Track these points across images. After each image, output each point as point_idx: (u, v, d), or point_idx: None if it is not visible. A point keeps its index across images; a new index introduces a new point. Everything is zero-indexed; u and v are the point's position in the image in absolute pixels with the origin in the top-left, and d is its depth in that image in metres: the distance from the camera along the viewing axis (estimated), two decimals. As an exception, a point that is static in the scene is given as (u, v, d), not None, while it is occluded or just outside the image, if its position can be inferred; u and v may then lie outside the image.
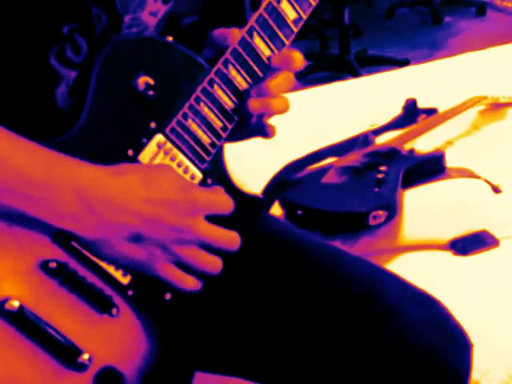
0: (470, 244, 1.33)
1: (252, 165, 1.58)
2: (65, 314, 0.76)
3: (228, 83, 0.83)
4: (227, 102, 0.84)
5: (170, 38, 0.84)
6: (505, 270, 1.28)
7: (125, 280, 0.79)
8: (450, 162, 1.56)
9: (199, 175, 0.84)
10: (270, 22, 0.84)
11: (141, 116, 0.80)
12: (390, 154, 1.54)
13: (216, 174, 0.85)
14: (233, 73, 0.84)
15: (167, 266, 0.78)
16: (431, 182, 1.51)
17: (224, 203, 0.81)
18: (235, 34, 0.84)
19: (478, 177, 1.50)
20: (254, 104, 0.84)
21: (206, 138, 0.84)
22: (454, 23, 4.87)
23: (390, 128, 1.73)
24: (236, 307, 0.91)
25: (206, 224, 0.79)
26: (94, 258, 0.77)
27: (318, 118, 1.95)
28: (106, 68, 0.79)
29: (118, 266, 0.78)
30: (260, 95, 0.84)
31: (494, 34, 4.28)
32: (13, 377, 0.74)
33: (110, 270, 0.78)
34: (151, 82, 0.80)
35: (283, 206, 1.42)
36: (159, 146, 0.81)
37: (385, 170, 1.46)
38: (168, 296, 0.81)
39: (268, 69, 0.85)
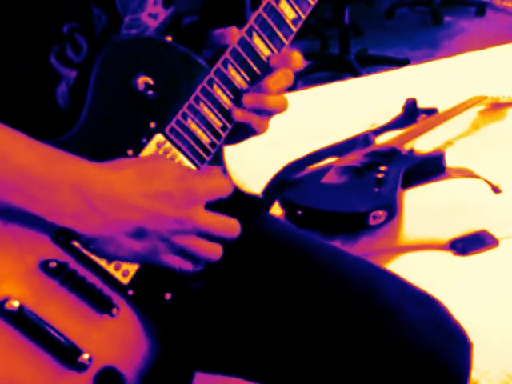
0: (470, 244, 1.33)
1: (252, 165, 1.58)
2: (65, 314, 0.76)
3: (227, 83, 0.84)
4: (227, 101, 0.84)
5: (170, 38, 0.84)
6: (504, 269, 1.28)
7: (125, 280, 0.79)
8: (450, 161, 1.56)
9: (197, 171, 0.84)
10: (269, 21, 0.84)
11: (140, 116, 0.80)
12: (390, 154, 1.53)
13: (216, 173, 0.85)
14: (232, 73, 0.84)
15: (169, 255, 0.79)
16: (431, 182, 1.51)
17: (222, 187, 0.81)
18: (234, 34, 0.84)
19: (477, 177, 1.50)
20: (247, 99, 0.84)
21: (205, 138, 0.84)
22: (453, 23, 4.87)
23: (390, 128, 1.73)
24: (236, 307, 0.91)
25: (205, 213, 0.79)
26: (94, 258, 0.77)
27: (318, 117, 1.95)
28: (105, 68, 0.79)
29: (122, 260, 0.78)
30: (258, 92, 0.84)
31: (493, 33, 4.28)
32: (13, 377, 0.74)
33: (110, 269, 0.78)
34: (151, 81, 0.80)
35: (283, 206, 1.42)
36: (159, 145, 0.81)
37: (385, 170, 1.46)
38: (168, 296, 0.81)
39: (267, 69, 0.85)
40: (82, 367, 0.76)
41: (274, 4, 0.84)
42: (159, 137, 0.81)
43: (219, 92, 0.83)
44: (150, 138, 0.81)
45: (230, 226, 0.81)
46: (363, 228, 1.35)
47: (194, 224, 0.78)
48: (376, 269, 0.97)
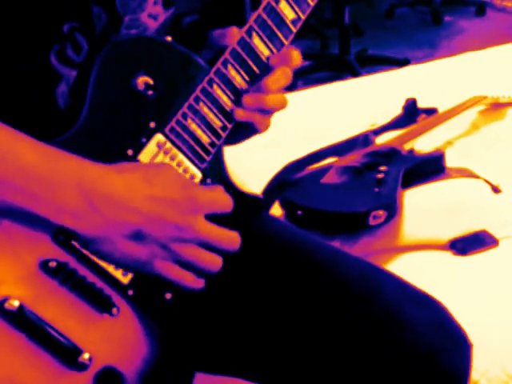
0: (470, 244, 1.33)
1: (252, 165, 1.58)
2: (65, 314, 0.76)
3: (227, 83, 0.84)
4: (226, 101, 0.84)
5: (169, 38, 0.84)
6: (504, 269, 1.28)
7: (125, 279, 0.79)
8: (450, 162, 1.56)
9: (199, 175, 0.84)
10: (269, 22, 0.84)
11: (140, 116, 0.80)
12: (390, 154, 1.53)
13: (216, 173, 0.85)
14: (232, 73, 0.84)
15: (167, 264, 0.79)
16: (431, 182, 1.51)
17: (224, 202, 0.81)
18: (234, 34, 0.84)
19: (477, 177, 1.50)
20: (247, 99, 0.84)
21: (205, 138, 0.84)
22: (453, 23, 4.87)
23: (390, 128, 1.72)
24: (236, 307, 0.91)
25: (205, 223, 0.79)
26: (93, 258, 0.77)
27: (318, 117, 1.95)
28: (105, 68, 0.79)
29: (117, 264, 0.78)
30: (258, 92, 0.84)
31: (493, 33, 4.28)
32: (13, 376, 0.74)
33: (110, 269, 0.78)
34: (150, 81, 0.80)
35: (283, 206, 1.42)
36: (159, 145, 0.81)
37: (385, 170, 1.46)
38: (168, 296, 0.81)
39: (267, 68, 0.85)
40: (82, 367, 0.76)
41: (273, 4, 0.84)
42: (159, 137, 0.81)
43: (219, 92, 0.83)
44: (149, 137, 0.81)
45: (230, 237, 0.81)
46: (363, 228, 1.35)
47: (194, 232, 0.78)
48: (376, 269, 0.97)
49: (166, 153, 0.82)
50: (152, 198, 0.76)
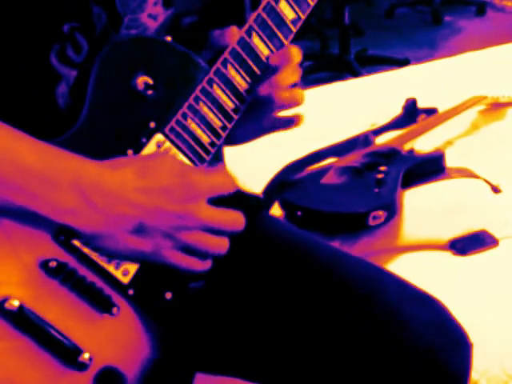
0: (470, 244, 1.33)
1: (252, 165, 1.58)
2: (65, 314, 0.76)
3: (227, 83, 0.84)
4: (226, 101, 0.84)
5: (169, 38, 0.84)
6: (504, 269, 1.28)
7: (125, 279, 0.79)
8: (450, 162, 1.56)
9: (200, 168, 0.84)
10: (269, 22, 0.84)
11: (140, 116, 0.80)
12: (390, 154, 1.53)
13: (216, 173, 0.85)
14: (232, 72, 0.84)
15: (174, 252, 0.78)
16: (431, 182, 1.51)
17: (224, 184, 0.81)
18: (234, 34, 0.84)
19: (477, 177, 1.50)
20: (284, 94, 0.84)
21: (205, 138, 0.84)
22: (454, 23, 4.87)
23: (390, 128, 1.72)
24: (236, 307, 0.91)
25: (207, 207, 0.79)
26: (94, 257, 0.77)
27: (318, 118, 1.94)
28: (105, 68, 0.79)
29: (123, 259, 0.78)
30: (270, 88, 0.85)
31: (494, 33, 4.28)
32: (13, 376, 0.74)
33: (111, 269, 0.78)
34: (150, 81, 0.80)
35: (283, 206, 1.41)
36: (159, 145, 0.81)
37: (385, 170, 1.46)
38: (168, 295, 0.81)
39: (267, 68, 0.85)
40: (82, 367, 0.76)
41: (273, 4, 0.84)
42: (159, 136, 0.81)
43: (219, 92, 0.84)
44: (149, 137, 0.81)
45: (234, 218, 0.81)
46: (363, 228, 1.35)
47: (197, 218, 0.78)
48: (376, 269, 0.97)
49: (165, 152, 0.82)
50: (146, 189, 0.76)
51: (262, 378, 0.92)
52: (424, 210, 1.43)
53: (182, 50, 0.83)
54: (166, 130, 0.81)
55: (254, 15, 0.84)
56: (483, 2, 5.01)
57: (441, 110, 1.80)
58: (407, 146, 1.58)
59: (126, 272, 0.79)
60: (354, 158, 1.51)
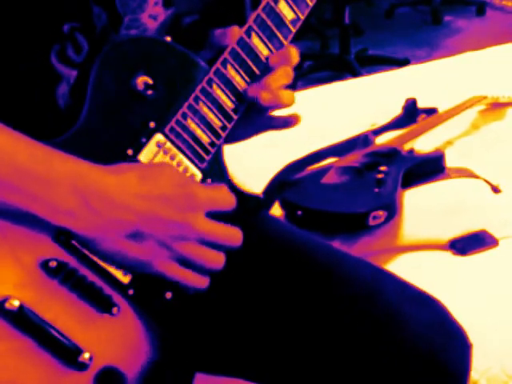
0: (470, 244, 1.33)
1: (252, 165, 1.58)
2: (65, 313, 0.76)
3: (227, 83, 0.84)
4: (226, 101, 0.84)
5: (169, 38, 0.84)
6: (504, 269, 1.28)
7: (125, 279, 0.79)
8: (450, 162, 1.56)
9: (199, 175, 0.84)
10: (268, 22, 0.84)
11: (140, 116, 0.80)
12: (390, 154, 1.53)
13: (215, 173, 0.85)
14: (232, 72, 0.84)
15: (168, 263, 0.78)
16: (431, 182, 1.51)
17: (225, 200, 0.81)
18: (235, 33, 0.84)
19: (477, 177, 1.50)
20: (265, 96, 0.84)
21: (205, 138, 0.84)
22: (454, 22, 4.87)
23: (390, 128, 1.72)
24: (236, 307, 0.91)
25: (206, 220, 0.79)
26: (94, 258, 0.77)
27: (318, 117, 1.94)
28: (105, 68, 0.79)
29: (118, 265, 0.78)
30: (259, 89, 0.85)
31: (493, 33, 4.28)
32: (13, 376, 0.74)
33: (111, 269, 0.78)
34: (150, 81, 0.80)
35: (283, 206, 1.42)
36: (159, 145, 0.81)
37: (385, 170, 1.46)
38: (169, 295, 0.81)
39: (267, 68, 0.85)
40: (82, 366, 0.76)
41: (272, 4, 0.84)
42: (159, 136, 0.81)
43: (219, 92, 0.84)
44: (149, 137, 0.81)
45: (231, 233, 0.81)
46: (363, 228, 1.35)
47: (195, 229, 0.78)
48: (376, 269, 0.97)
49: (165, 152, 0.82)
50: (145, 196, 0.76)
51: (262, 378, 0.92)
52: (424, 210, 1.43)
53: (181, 50, 0.83)
54: (166, 129, 0.82)
55: (253, 15, 0.84)
56: (483, 2, 5.01)
57: (441, 109, 1.80)
58: (407, 146, 1.58)
59: (126, 272, 0.79)
60: (354, 158, 1.52)
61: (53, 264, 0.75)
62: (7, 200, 0.72)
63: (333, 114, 1.96)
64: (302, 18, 0.86)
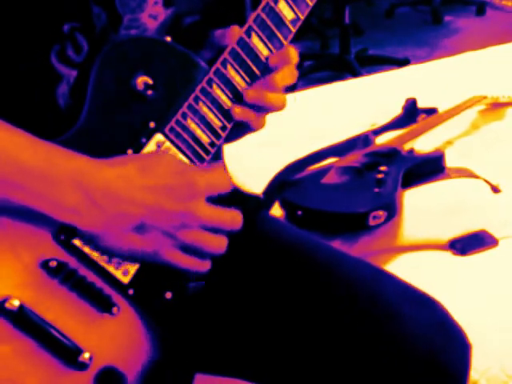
0: (469, 244, 1.33)
1: (252, 165, 1.58)
2: (65, 313, 0.76)
3: (227, 83, 0.84)
4: (226, 101, 0.84)
5: (169, 39, 0.84)
6: (504, 269, 1.28)
7: (125, 279, 0.79)
8: (450, 161, 1.56)
9: (199, 167, 0.84)
10: (268, 22, 0.84)
11: (140, 116, 0.81)
12: (390, 154, 1.53)
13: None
14: (231, 73, 0.84)
15: (174, 252, 0.79)
16: (431, 182, 1.51)
17: (223, 183, 0.81)
18: (235, 33, 0.84)
19: (477, 177, 1.50)
20: (250, 93, 0.84)
21: (205, 138, 0.84)
22: (454, 22, 4.87)
23: (390, 128, 1.72)
24: (236, 307, 0.91)
25: (206, 206, 0.79)
26: (94, 257, 0.77)
27: (318, 117, 1.95)
28: (104, 68, 0.79)
29: (125, 258, 0.78)
30: (264, 88, 0.84)
31: (493, 33, 4.28)
32: (13, 376, 0.74)
33: (111, 269, 0.78)
34: (150, 81, 0.80)
35: (283, 206, 1.42)
36: (158, 145, 0.81)
37: (385, 170, 1.46)
38: (169, 295, 0.81)
39: (266, 68, 0.85)
40: (82, 366, 0.76)
41: (272, 4, 0.84)
42: (159, 136, 0.81)
43: (218, 92, 0.84)
44: (149, 137, 0.81)
45: (232, 217, 0.81)
46: (363, 228, 1.35)
47: (196, 217, 0.78)
48: (376, 270, 0.97)
49: (165, 151, 0.82)
50: (148, 187, 0.76)
51: (261, 378, 0.92)
52: (424, 210, 1.43)
53: (181, 50, 0.83)
54: (166, 129, 0.82)
55: (253, 15, 0.84)
56: (483, 2, 5.01)
57: (441, 109, 1.80)
58: (407, 146, 1.58)
59: (125, 272, 0.79)
60: (354, 158, 1.52)
61: (53, 264, 0.75)
62: (11, 197, 0.72)
63: (333, 113, 1.96)
64: (302, 18, 0.86)
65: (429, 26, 4.87)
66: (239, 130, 0.88)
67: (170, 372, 0.82)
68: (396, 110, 1.83)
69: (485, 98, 1.83)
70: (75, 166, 0.74)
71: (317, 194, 1.43)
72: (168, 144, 0.82)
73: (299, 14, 0.86)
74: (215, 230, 0.80)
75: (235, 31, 0.85)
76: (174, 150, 0.82)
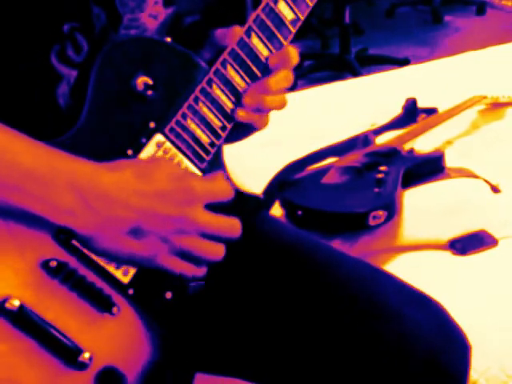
0: (469, 244, 1.33)
1: (252, 165, 1.58)
2: (65, 313, 0.76)
3: (227, 83, 0.84)
4: (226, 101, 0.84)
5: (169, 39, 0.84)
6: (503, 269, 1.28)
7: (125, 279, 0.79)
8: (450, 161, 1.56)
9: (199, 175, 0.84)
10: (268, 22, 0.84)
11: (140, 116, 0.81)
12: (390, 154, 1.53)
13: (215, 173, 0.85)
14: (231, 73, 0.84)
15: (170, 257, 0.79)
16: (431, 182, 1.51)
17: (223, 190, 0.81)
18: (235, 34, 0.84)
19: (477, 176, 1.50)
20: (247, 100, 0.84)
21: (205, 138, 0.84)
22: (454, 22, 4.87)
23: (390, 128, 1.72)
24: (236, 307, 0.91)
25: (204, 213, 0.79)
26: (94, 257, 0.77)
27: (318, 117, 1.95)
28: (105, 68, 0.79)
29: (120, 262, 0.78)
30: (260, 92, 0.85)
31: (493, 32, 4.28)
32: (13, 376, 0.74)
33: (111, 269, 0.78)
34: (150, 82, 0.80)
35: (283, 206, 1.42)
36: (158, 145, 0.81)
37: (385, 170, 1.46)
38: (169, 295, 0.81)
39: (267, 69, 0.85)
40: (82, 366, 0.76)
41: (272, 5, 0.84)
42: (159, 137, 0.81)
43: (218, 92, 0.84)
44: (149, 137, 0.81)
45: (230, 224, 0.81)
46: (363, 228, 1.35)
47: (194, 223, 0.78)
48: (376, 270, 0.97)
49: (165, 153, 0.82)
50: (143, 192, 0.76)
51: (261, 378, 0.92)
52: (424, 210, 1.43)
53: (181, 51, 0.83)
54: (166, 130, 0.82)
55: (253, 16, 0.84)
56: (483, 2, 5.01)
57: (441, 109, 1.80)
58: (407, 146, 1.58)
59: (126, 272, 0.79)
60: (354, 158, 1.52)
61: (53, 264, 0.75)
62: (8, 200, 0.72)
63: (333, 113, 1.96)
64: (302, 18, 0.86)
65: (429, 25, 4.87)
66: (244, 130, 0.88)
67: (170, 372, 0.82)
68: (396, 110, 1.83)
69: (485, 97, 1.83)
70: (71, 168, 0.74)
71: (317, 193, 1.43)
72: (168, 144, 0.82)
73: (299, 15, 0.86)
74: (214, 238, 0.80)
75: (235, 31, 0.85)
76: (173, 150, 0.82)
